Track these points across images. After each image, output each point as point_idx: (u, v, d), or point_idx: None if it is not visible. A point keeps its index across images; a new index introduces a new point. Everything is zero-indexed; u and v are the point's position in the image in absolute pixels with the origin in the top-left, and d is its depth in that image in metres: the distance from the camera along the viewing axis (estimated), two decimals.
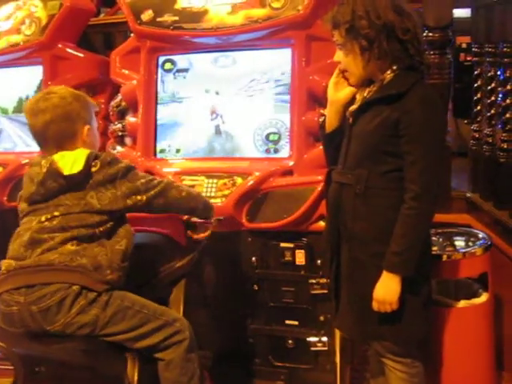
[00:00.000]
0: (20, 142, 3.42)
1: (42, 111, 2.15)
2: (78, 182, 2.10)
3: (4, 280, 2.07)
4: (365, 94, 2.12)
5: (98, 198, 2.10)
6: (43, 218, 2.10)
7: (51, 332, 2.01)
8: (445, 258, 2.44)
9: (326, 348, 2.67)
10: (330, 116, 2.24)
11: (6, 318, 2.06)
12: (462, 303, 2.45)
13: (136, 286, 2.17)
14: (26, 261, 2.05)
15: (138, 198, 2.16)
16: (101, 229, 2.10)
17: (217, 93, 2.82)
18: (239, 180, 2.61)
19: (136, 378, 2.07)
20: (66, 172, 2.09)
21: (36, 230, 2.08)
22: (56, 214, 2.09)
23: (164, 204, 2.23)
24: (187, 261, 2.41)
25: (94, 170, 2.12)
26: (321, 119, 2.55)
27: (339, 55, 2.10)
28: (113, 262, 2.08)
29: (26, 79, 3.39)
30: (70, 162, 2.11)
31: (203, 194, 2.56)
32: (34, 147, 3.29)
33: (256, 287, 2.73)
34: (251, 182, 2.59)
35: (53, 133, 2.15)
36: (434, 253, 2.36)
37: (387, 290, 2.01)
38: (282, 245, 2.65)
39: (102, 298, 2.05)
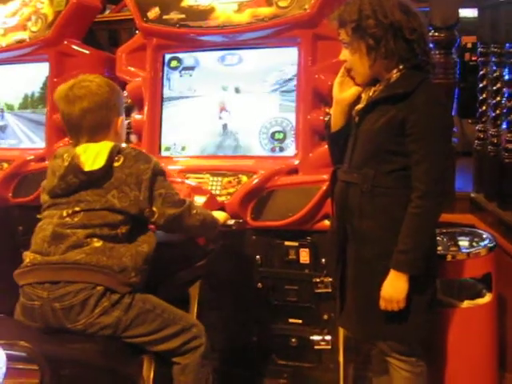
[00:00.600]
0: (25, 138, 3.43)
1: (79, 98, 2.08)
2: (99, 178, 2.06)
3: (28, 272, 2.06)
4: (370, 94, 2.13)
5: (119, 198, 2.05)
6: (64, 213, 2.07)
7: (71, 330, 2.00)
8: (449, 258, 2.44)
9: (329, 347, 2.67)
10: (336, 115, 2.24)
11: (26, 311, 2.05)
12: (466, 303, 2.46)
13: (154, 283, 2.17)
14: (52, 257, 2.03)
15: (154, 210, 2.09)
16: (123, 230, 2.06)
17: (223, 90, 2.82)
18: (244, 178, 2.61)
19: (151, 379, 2.08)
20: (88, 167, 2.05)
21: (58, 225, 2.06)
22: (77, 209, 2.06)
23: (175, 229, 2.19)
24: (205, 261, 2.41)
25: (116, 164, 2.06)
26: (326, 118, 2.55)
27: (345, 54, 2.10)
28: (137, 263, 2.06)
29: (32, 76, 3.39)
30: (93, 156, 2.07)
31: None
32: (39, 144, 3.34)
33: (260, 285, 2.74)
34: (256, 181, 2.59)
35: (89, 121, 2.09)
36: (438, 253, 2.36)
37: (395, 288, 2.02)
38: (287, 243, 2.66)
39: (125, 300, 2.03)
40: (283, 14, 2.60)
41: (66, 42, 3.27)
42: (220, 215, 2.42)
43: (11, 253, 3.32)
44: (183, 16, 2.77)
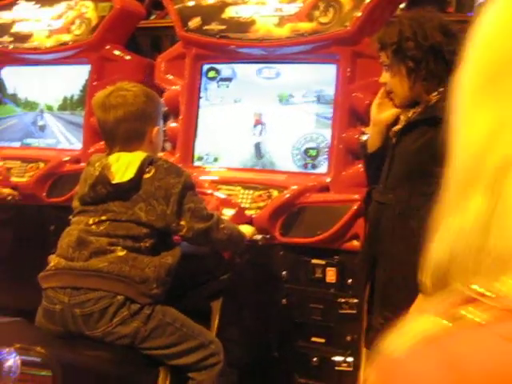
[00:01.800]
0: (63, 139, 3.47)
1: (114, 107, 2.10)
2: (128, 190, 2.06)
3: (51, 276, 2.09)
4: (409, 115, 2.11)
5: (146, 212, 2.05)
6: (91, 221, 2.09)
7: (90, 337, 2.01)
8: None
9: (350, 369, 2.62)
10: (373, 136, 2.23)
11: (47, 314, 2.07)
12: None
13: (176, 294, 2.16)
14: (75, 263, 2.05)
15: (182, 223, 2.08)
16: (147, 243, 2.06)
17: (259, 103, 2.81)
18: (275, 193, 2.60)
19: None
20: (118, 178, 2.06)
21: (83, 231, 2.08)
22: (103, 218, 2.07)
23: (202, 242, 2.19)
24: (229, 274, 2.40)
25: (146, 176, 2.06)
26: (361, 137, 2.53)
27: (385, 76, 2.10)
28: (160, 275, 2.05)
29: (73, 78, 3.43)
30: (124, 166, 2.07)
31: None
32: (77, 145, 3.37)
33: (285, 301, 2.71)
34: (287, 196, 2.57)
35: (123, 131, 2.10)
36: None
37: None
38: (314, 261, 2.62)
39: (145, 311, 2.03)
40: (323, 31, 2.58)
41: (107, 47, 3.29)
42: (247, 229, 2.41)
43: (42, 252, 3.37)
44: (224, 27, 2.78)
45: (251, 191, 2.64)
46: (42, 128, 3.54)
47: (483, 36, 0.59)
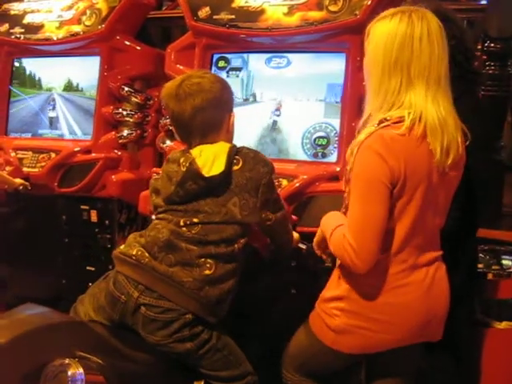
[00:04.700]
0: (74, 129, 3.48)
1: (190, 95, 1.96)
2: (219, 185, 1.95)
3: (130, 265, 1.98)
4: None
5: (240, 207, 1.96)
6: (182, 222, 1.97)
7: (140, 335, 1.97)
8: (490, 276, 2.38)
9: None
10: None
11: (110, 299, 2.00)
12: (504, 324, 2.39)
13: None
14: (159, 264, 1.95)
15: (270, 216, 2.04)
16: (240, 244, 1.99)
17: (269, 93, 2.81)
18: (285, 182, 2.59)
19: None
20: (206, 172, 1.94)
21: (174, 233, 1.97)
22: (195, 220, 1.96)
23: (280, 231, 2.16)
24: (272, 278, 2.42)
25: (235, 168, 1.97)
26: None
27: None
28: (233, 293, 2.01)
29: (84, 69, 3.44)
30: (210, 159, 1.96)
31: None
32: (87, 136, 3.38)
33: (294, 291, 2.71)
34: (297, 185, 2.56)
35: (201, 120, 1.98)
36: (479, 270, 2.31)
37: None
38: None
39: (203, 335, 1.98)
40: (333, 19, 2.56)
41: (118, 38, 3.30)
42: (294, 235, 2.37)
43: (55, 240, 3.40)
44: (233, 16, 2.77)
45: None
46: (54, 119, 3.55)
47: (385, 34, 1.80)
